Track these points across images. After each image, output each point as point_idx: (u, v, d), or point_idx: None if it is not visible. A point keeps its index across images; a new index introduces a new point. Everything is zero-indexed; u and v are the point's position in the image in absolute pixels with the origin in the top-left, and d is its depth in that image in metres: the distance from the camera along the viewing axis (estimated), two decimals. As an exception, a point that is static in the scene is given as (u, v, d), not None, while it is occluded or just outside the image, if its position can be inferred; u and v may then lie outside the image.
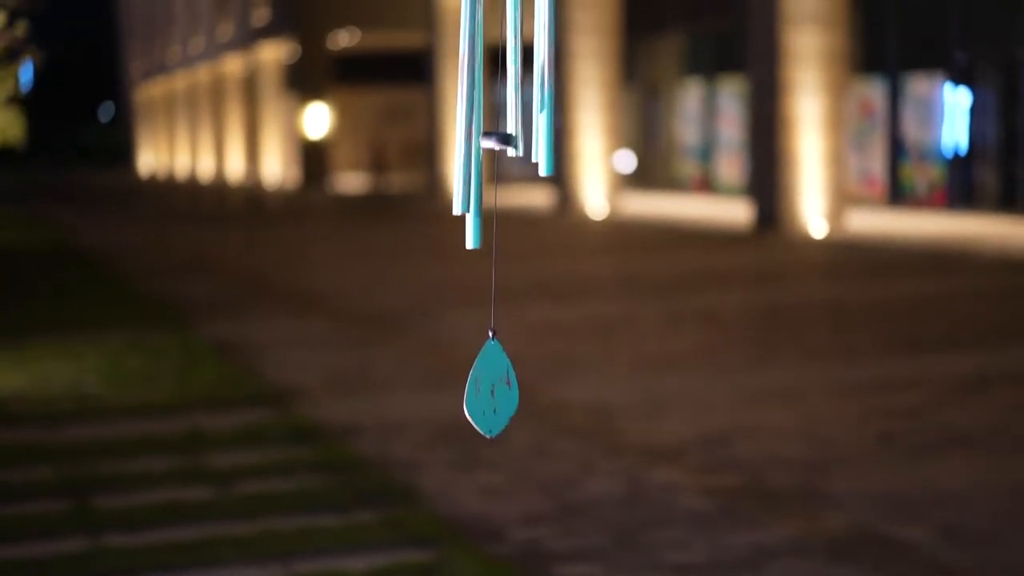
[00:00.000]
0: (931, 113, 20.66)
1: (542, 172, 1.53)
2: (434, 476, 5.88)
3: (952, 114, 20.27)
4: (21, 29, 17.32)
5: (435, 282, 13.60)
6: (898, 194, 21.15)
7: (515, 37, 1.50)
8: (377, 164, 38.43)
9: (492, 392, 1.59)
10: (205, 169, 53.40)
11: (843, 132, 17.85)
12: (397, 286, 13.59)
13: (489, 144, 1.52)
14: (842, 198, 17.74)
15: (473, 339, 9.74)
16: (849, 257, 15.40)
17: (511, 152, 1.53)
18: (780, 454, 6.14)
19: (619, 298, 12.38)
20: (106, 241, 20.28)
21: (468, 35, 1.53)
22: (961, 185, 20.10)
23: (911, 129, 20.97)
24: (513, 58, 1.50)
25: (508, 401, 1.59)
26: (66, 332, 10.30)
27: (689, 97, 27.40)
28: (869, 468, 5.88)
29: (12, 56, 20.70)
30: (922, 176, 20.75)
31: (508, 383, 1.60)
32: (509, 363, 1.60)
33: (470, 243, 1.56)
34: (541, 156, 1.53)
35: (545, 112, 1.53)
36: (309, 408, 7.34)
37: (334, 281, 14.18)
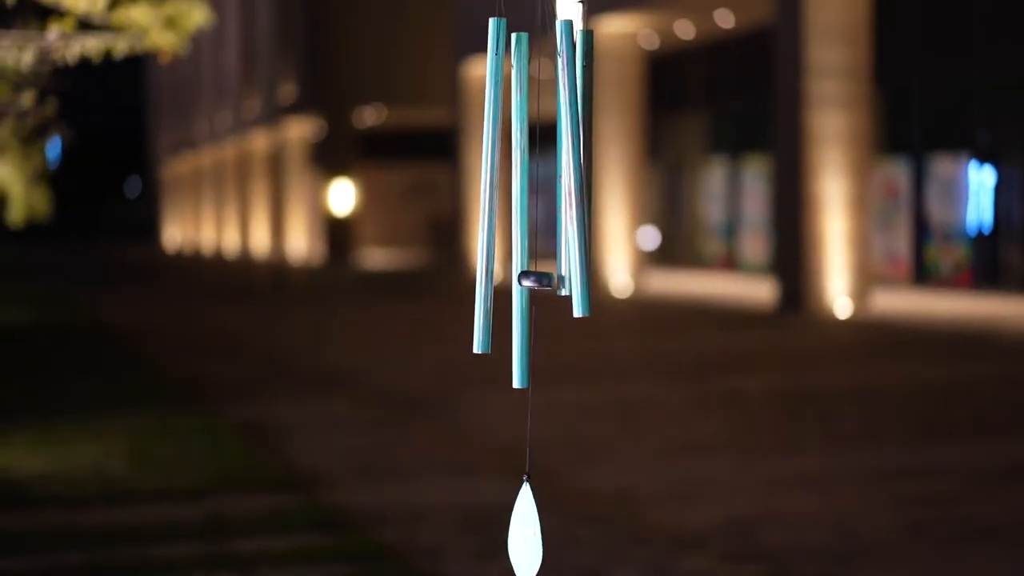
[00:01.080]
0: (955, 193, 20.66)
1: (577, 313, 1.53)
2: (459, 565, 5.84)
3: (977, 194, 20.27)
4: (51, 108, 17.51)
5: (459, 361, 13.59)
6: (923, 274, 21.11)
7: (574, 178, 1.51)
8: (436, 237, 38.48)
9: (524, 540, 1.58)
10: (230, 244, 53.68)
11: (868, 212, 17.86)
12: (422, 365, 13.59)
13: (528, 284, 1.53)
14: (867, 278, 17.71)
15: (497, 422, 9.73)
16: (874, 338, 15.34)
17: (551, 288, 1.53)
18: (806, 543, 6.09)
19: (644, 380, 12.35)
20: (131, 318, 20.36)
21: (489, 168, 1.54)
22: (986, 265, 20.06)
23: (936, 209, 20.97)
24: (578, 199, 1.50)
25: (534, 552, 1.59)
26: (90, 412, 10.31)
27: (713, 175, 27.49)
28: (896, 559, 5.83)
29: (40, 133, 20.91)
30: (947, 256, 20.72)
31: (534, 534, 1.59)
32: (536, 515, 1.60)
33: (517, 382, 1.56)
34: (576, 295, 1.53)
35: (578, 246, 1.53)
36: (333, 494, 7.31)
37: (358, 360, 14.18)
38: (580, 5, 1.53)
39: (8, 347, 16.18)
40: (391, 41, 39.10)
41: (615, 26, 23.23)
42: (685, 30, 24.76)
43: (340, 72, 39.43)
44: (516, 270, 1.56)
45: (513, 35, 1.52)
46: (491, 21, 1.56)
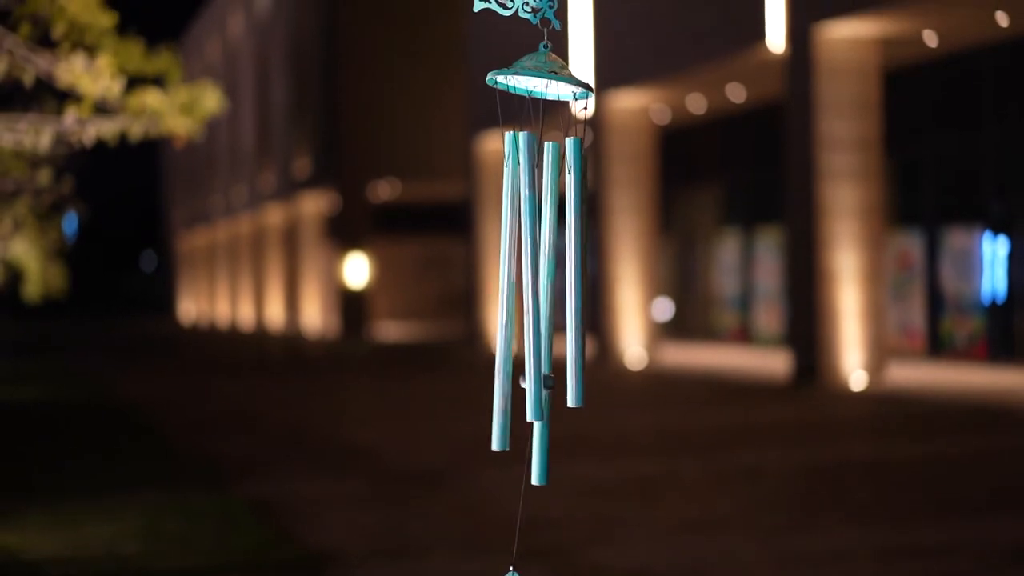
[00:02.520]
0: (969, 265, 20.66)
1: (571, 403, 1.56)
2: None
3: (991, 265, 20.26)
4: (67, 186, 17.64)
5: (473, 437, 13.57)
6: (938, 346, 21.07)
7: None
8: (451, 310, 38.57)
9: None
10: (245, 318, 53.80)
11: (881, 284, 17.87)
12: (436, 442, 13.57)
13: (527, 385, 1.55)
14: (881, 350, 17.69)
15: (512, 498, 9.69)
16: (890, 412, 15.29)
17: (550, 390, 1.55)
18: (824, 625, 6.04)
19: (658, 455, 12.31)
20: (145, 393, 20.38)
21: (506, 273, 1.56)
22: (1001, 337, 20.02)
23: (950, 281, 20.96)
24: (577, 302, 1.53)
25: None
26: (103, 491, 10.31)
27: (726, 247, 27.54)
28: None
29: (57, 210, 21.04)
30: (962, 328, 20.69)
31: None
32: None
33: (536, 479, 1.58)
34: (571, 387, 1.56)
35: (575, 340, 1.56)
36: (347, 574, 7.29)
37: (373, 436, 14.17)
38: (585, 104, 1.57)
39: (21, 424, 16.19)
40: (405, 116, 39.39)
41: (627, 101, 23.39)
42: (697, 104, 24.91)
43: (354, 147, 39.69)
44: (529, 368, 1.58)
45: (507, 135, 1.56)
46: (506, 135, 1.60)
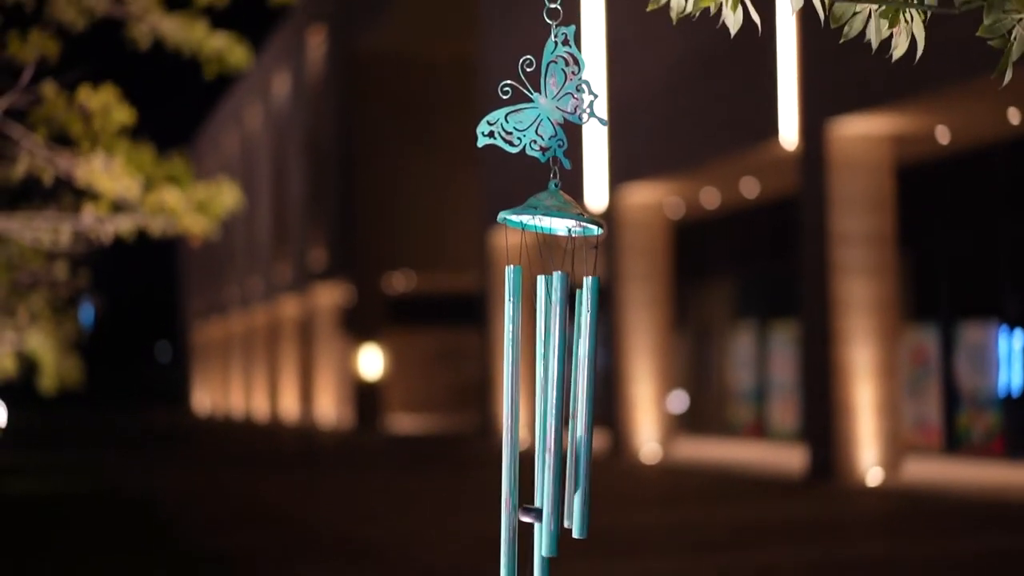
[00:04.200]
0: (985, 360, 20.59)
1: (575, 535, 1.56)
2: None
3: (1007, 360, 20.20)
4: (84, 278, 17.73)
5: (486, 535, 13.49)
6: (954, 442, 20.94)
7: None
8: (465, 402, 38.49)
9: None
10: (260, 409, 53.75)
11: (897, 379, 17.81)
12: (451, 537, 13.48)
13: (528, 519, 1.56)
14: (898, 446, 17.59)
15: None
16: (907, 509, 15.17)
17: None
18: None
19: (672, 553, 12.22)
20: (156, 487, 20.32)
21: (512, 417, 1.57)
22: (1019, 432, 19.90)
23: (965, 376, 20.89)
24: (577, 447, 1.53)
25: None
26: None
27: (741, 341, 27.50)
28: None
29: (73, 302, 21.11)
30: (978, 424, 20.58)
31: None
32: None
33: None
34: (575, 519, 1.56)
35: (582, 474, 1.56)
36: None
37: (386, 532, 14.09)
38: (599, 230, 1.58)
39: (32, 520, 16.14)
40: (419, 208, 39.62)
41: (641, 195, 23.50)
42: (711, 198, 25.02)
43: (369, 239, 39.88)
44: (544, 502, 1.58)
45: (540, 279, 1.58)
46: (507, 269, 1.62)
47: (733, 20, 2.34)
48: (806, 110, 18.37)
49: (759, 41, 19.30)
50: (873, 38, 2.42)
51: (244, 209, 53.70)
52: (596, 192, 23.88)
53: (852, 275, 17.68)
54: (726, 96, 20.89)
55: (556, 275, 1.69)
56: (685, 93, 22.00)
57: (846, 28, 2.41)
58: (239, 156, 58.25)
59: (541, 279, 1.68)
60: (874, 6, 2.33)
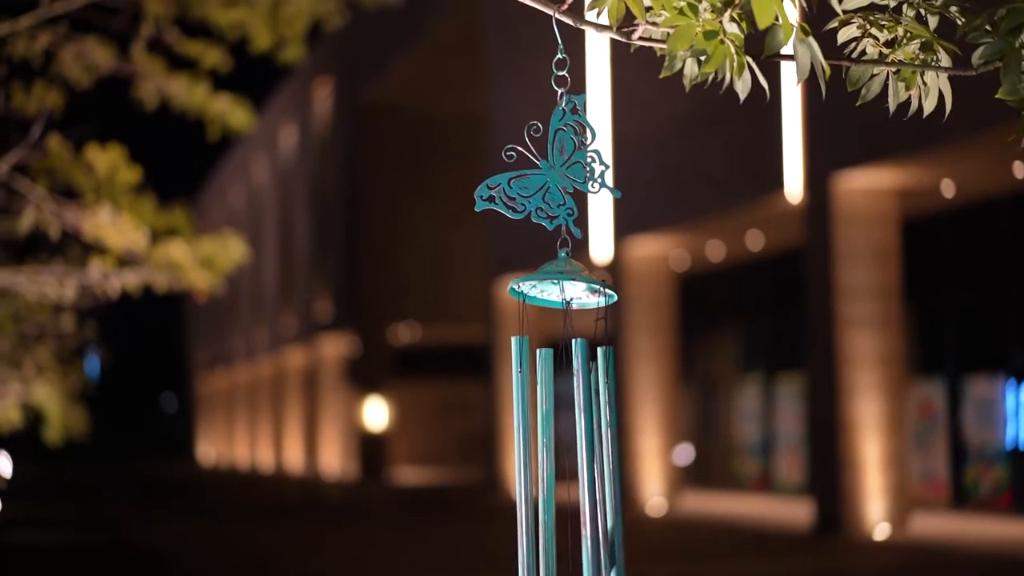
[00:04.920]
0: (993, 414, 20.53)
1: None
2: None
3: (1015, 414, 20.13)
4: (90, 330, 17.74)
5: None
6: (962, 497, 20.83)
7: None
8: (470, 454, 38.46)
9: None
10: (265, 460, 53.62)
11: (903, 433, 17.75)
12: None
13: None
14: (905, 500, 17.51)
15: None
16: (914, 564, 15.08)
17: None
18: None
19: (679, 608, 12.14)
20: (159, 540, 20.23)
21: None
22: (1026, 486, 19.80)
23: (973, 430, 20.81)
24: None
25: None
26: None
27: (747, 394, 27.44)
28: None
29: (79, 353, 21.12)
30: (986, 478, 20.49)
31: None
32: None
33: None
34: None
35: (618, 557, 1.55)
36: None
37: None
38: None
39: (38, 573, 16.07)
40: (424, 260, 39.67)
41: (646, 248, 23.52)
42: (716, 251, 25.04)
43: (374, 290, 39.91)
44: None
45: (538, 351, 1.57)
46: (513, 340, 1.61)
47: (742, 87, 2.35)
48: (811, 163, 18.41)
49: (764, 95, 19.35)
50: (891, 101, 2.44)
51: (250, 261, 53.82)
52: (601, 245, 23.91)
53: (858, 328, 17.65)
54: (731, 149, 20.94)
55: (576, 342, 1.68)
56: (690, 146, 22.06)
57: (863, 91, 2.42)
58: (245, 208, 58.39)
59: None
60: (892, 69, 2.34)
